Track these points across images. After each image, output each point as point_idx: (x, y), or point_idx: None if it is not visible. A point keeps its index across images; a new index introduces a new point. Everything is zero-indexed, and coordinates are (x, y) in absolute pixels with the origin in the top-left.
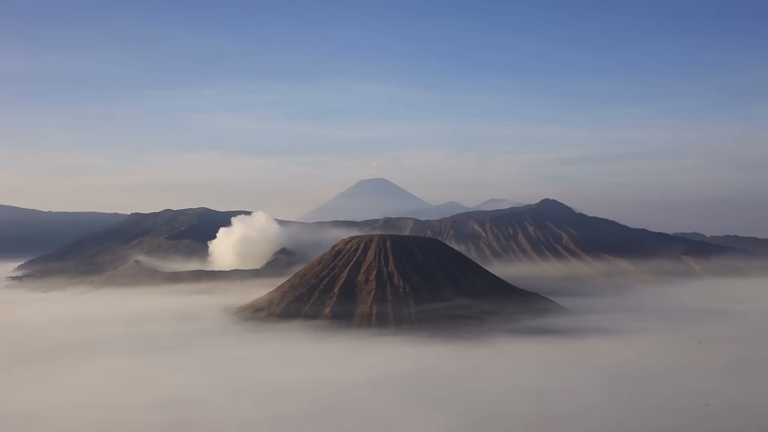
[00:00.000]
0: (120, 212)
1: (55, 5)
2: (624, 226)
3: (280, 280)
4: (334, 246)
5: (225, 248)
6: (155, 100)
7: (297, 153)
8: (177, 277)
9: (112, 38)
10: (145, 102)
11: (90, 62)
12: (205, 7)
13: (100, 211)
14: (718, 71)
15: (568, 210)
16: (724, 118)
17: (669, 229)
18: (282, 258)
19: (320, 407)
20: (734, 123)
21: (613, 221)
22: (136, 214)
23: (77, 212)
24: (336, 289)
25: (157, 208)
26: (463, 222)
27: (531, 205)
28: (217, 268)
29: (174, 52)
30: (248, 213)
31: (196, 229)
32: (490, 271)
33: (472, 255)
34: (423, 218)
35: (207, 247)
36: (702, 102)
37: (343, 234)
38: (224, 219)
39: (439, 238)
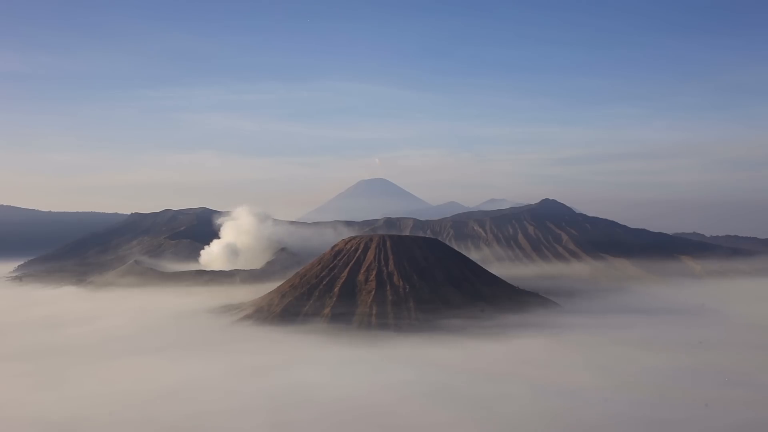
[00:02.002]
0: (120, 212)
1: (49, 5)
2: (624, 226)
3: (280, 280)
4: (334, 246)
5: (219, 251)
6: (149, 99)
7: (296, 153)
8: (177, 277)
9: (106, 38)
10: (140, 102)
11: (84, 62)
12: (199, 7)
13: (100, 211)
14: (718, 70)
15: (568, 210)
16: (724, 118)
17: (669, 229)
18: (282, 258)
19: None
20: (735, 122)
21: (613, 221)
22: (136, 214)
23: (77, 212)
24: (336, 289)
25: (157, 208)
26: (463, 222)
27: (531, 205)
28: (217, 268)
29: (167, 52)
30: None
31: (196, 229)
32: (490, 271)
33: (472, 255)
34: (423, 218)
35: (207, 248)
36: (703, 101)
37: (343, 234)
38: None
39: (439, 238)
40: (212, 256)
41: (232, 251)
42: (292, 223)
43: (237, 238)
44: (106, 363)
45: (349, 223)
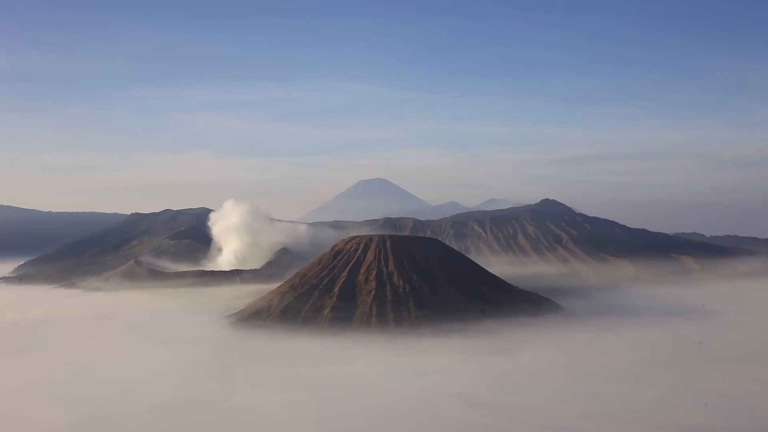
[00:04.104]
0: (120, 212)
1: (44, 4)
2: (624, 226)
3: (280, 280)
4: (334, 246)
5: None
6: (143, 99)
7: (294, 153)
8: (177, 278)
9: (99, 38)
10: (134, 102)
11: (77, 62)
12: (193, 6)
13: (100, 211)
14: (717, 69)
15: (568, 210)
16: (724, 117)
17: (669, 229)
18: (282, 258)
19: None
20: (734, 122)
21: (613, 221)
22: (136, 214)
23: (77, 212)
24: (336, 290)
25: (156, 208)
26: (463, 222)
27: (531, 205)
28: (216, 268)
29: (160, 52)
30: None
31: (196, 229)
32: (490, 271)
33: (472, 255)
34: (423, 218)
35: (207, 248)
36: (702, 101)
37: (343, 234)
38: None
39: (439, 238)
40: (221, 264)
41: (240, 259)
42: (292, 223)
43: (228, 235)
44: (121, 364)
45: (349, 223)
